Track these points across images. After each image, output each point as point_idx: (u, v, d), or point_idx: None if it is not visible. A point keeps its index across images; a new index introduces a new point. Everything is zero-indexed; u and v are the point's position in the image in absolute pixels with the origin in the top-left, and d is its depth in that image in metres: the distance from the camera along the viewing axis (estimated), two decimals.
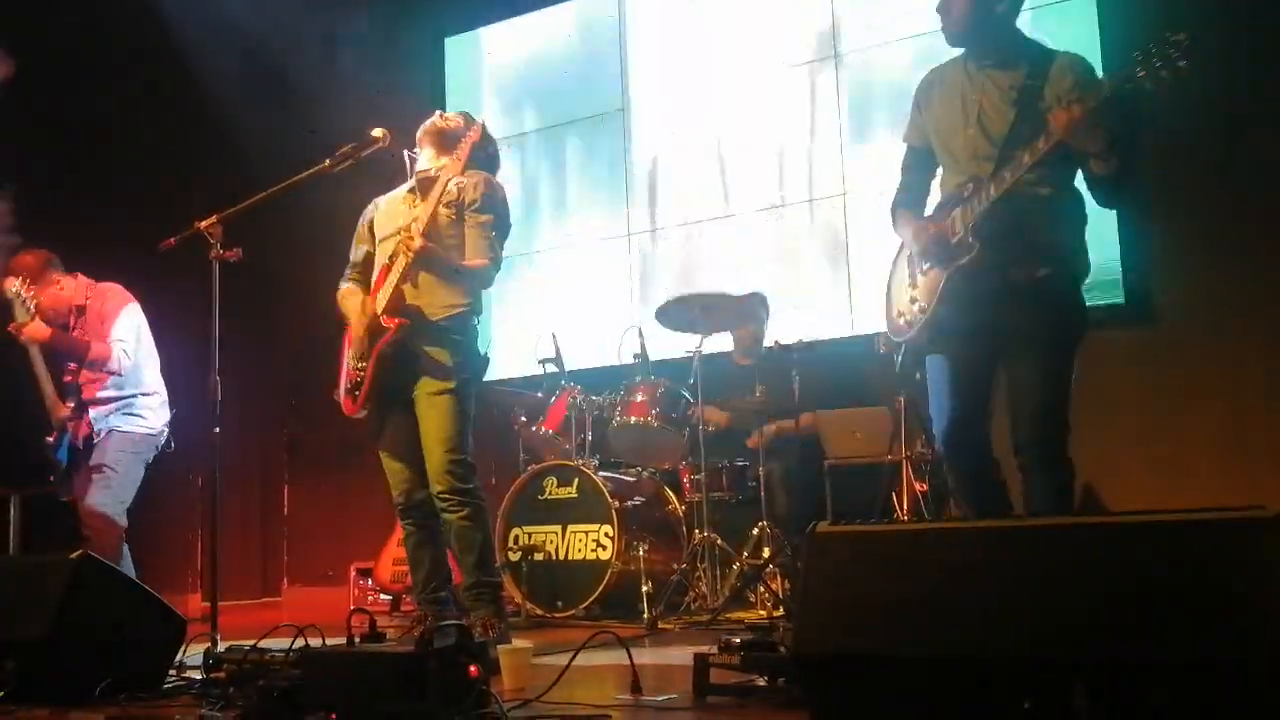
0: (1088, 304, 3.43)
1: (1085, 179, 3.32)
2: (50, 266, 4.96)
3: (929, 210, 3.56)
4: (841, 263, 6.40)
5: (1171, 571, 1.99)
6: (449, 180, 3.90)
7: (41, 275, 4.90)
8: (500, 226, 4.06)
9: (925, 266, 3.43)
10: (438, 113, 4.21)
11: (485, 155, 4.11)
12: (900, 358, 3.52)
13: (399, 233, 3.95)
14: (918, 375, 3.60)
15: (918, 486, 5.28)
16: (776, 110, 6.71)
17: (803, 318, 6.36)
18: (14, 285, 4.79)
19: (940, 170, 3.57)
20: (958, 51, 3.52)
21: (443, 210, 3.88)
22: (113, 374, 4.83)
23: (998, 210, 3.24)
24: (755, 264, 6.60)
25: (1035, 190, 3.27)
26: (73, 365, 4.85)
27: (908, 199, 3.60)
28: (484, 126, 4.08)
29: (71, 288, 4.99)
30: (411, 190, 4.08)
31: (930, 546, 2.28)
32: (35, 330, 4.74)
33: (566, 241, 7.36)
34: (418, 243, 3.79)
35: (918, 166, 3.62)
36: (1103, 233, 5.22)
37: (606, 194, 7.25)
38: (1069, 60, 3.35)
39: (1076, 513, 3.32)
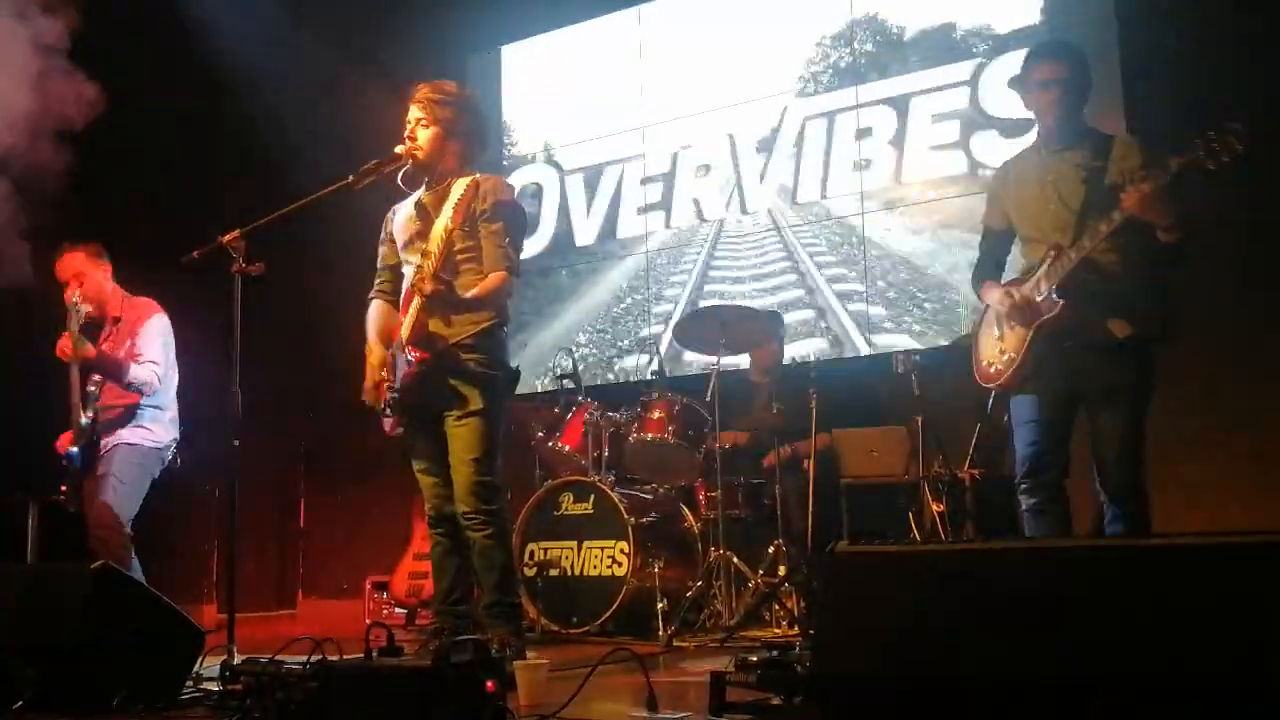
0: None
1: (1150, 247, 3.62)
2: (104, 256, 5.01)
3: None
4: (859, 281, 6.39)
5: (1196, 594, 1.98)
6: (456, 196, 3.85)
7: (95, 260, 4.95)
8: (514, 231, 4.04)
9: (1013, 325, 3.82)
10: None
11: (468, 130, 4.09)
12: (990, 403, 3.97)
13: (416, 253, 3.96)
14: (1005, 419, 4.01)
15: (935, 507, 5.26)
16: (791, 130, 6.72)
17: (819, 336, 6.37)
18: (74, 295, 4.82)
19: (1020, 245, 4.00)
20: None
21: (454, 231, 3.83)
22: (143, 394, 4.88)
23: (1079, 271, 3.64)
24: (771, 281, 6.60)
25: (1111, 256, 3.66)
26: (97, 377, 4.87)
27: (987, 273, 4.07)
28: (443, 86, 4.04)
29: (114, 292, 5.03)
30: (419, 204, 4.07)
31: (952, 568, 2.28)
32: (84, 352, 4.76)
33: (582, 257, 7.38)
34: (429, 287, 3.78)
35: (996, 246, 4.08)
36: None
37: (622, 208, 7.27)
38: (1128, 142, 3.84)
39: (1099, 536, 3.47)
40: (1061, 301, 3.65)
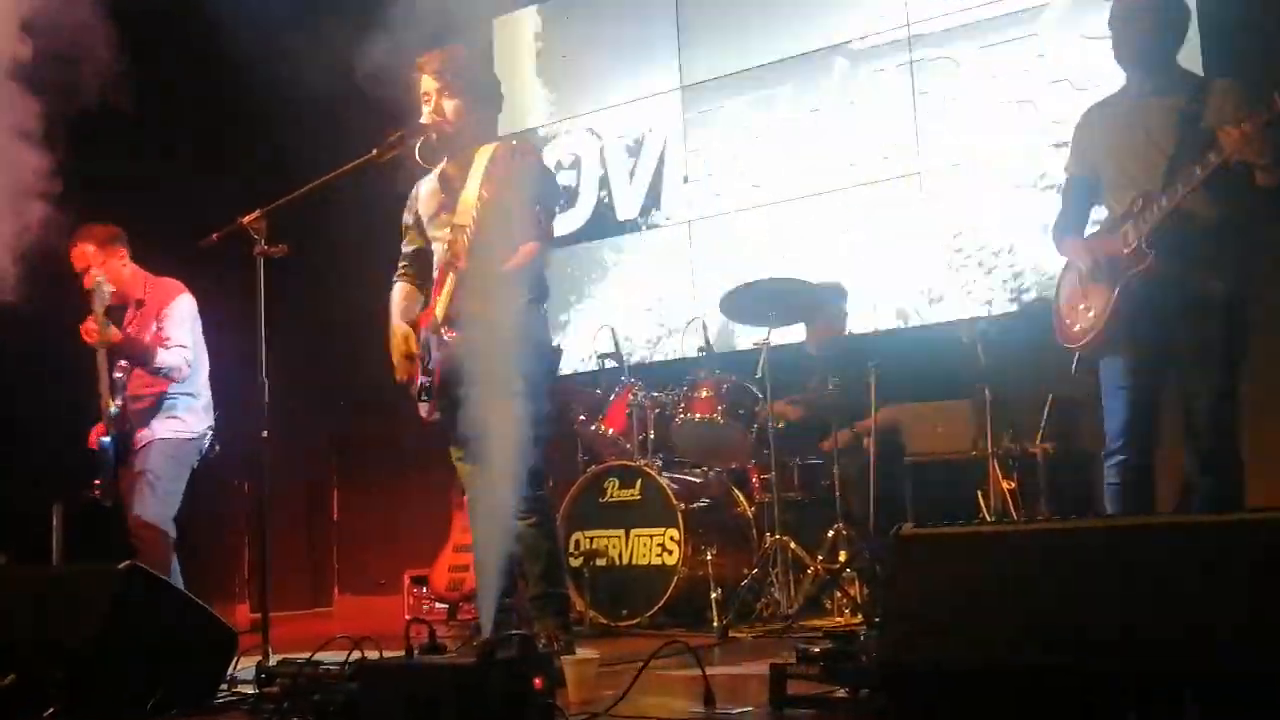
0: None
1: (1249, 189, 3.60)
2: (119, 241, 5.04)
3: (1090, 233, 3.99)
4: (919, 246, 6.32)
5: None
6: (482, 163, 3.86)
7: (108, 247, 4.98)
8: (545, 197, 4.04)
9: (1097, 280, 3.79)
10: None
11: (488, 95, 4.09)
12: (1075, 364, 3.91)
13: (444, 228, 3.97)
14: (1089, 379, 3.95)
15: (1005, 484, 5.23)
16: (849, 83, 6.65)
17: (879, 305, 6.32)
18: (98, 276, 4.86)
19: (1105, 195, 3.93)
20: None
21: (482, 204, 3.84)
22: (172, 380, 4.91)
23: (1170, 223, 3.60)
24: (826, 248, 6.55)
25: (1204, 207, 3.61)
26: (124, 363, 4.91)
27: (1070, 224, 4.02)
28: (457, 51, 4.04)
29: (134, 274, 5.07)
30: (442, 176, 4.08)
31: (1028, 549, 2.26)
32: (110, 334, 4.79)
33: (622, 229, 7.36)
34: (463, 263, 3.80)
35: (1079, 195, 4.03)
36: None
37: (664, 177, 7.24)
38: (1226, 85, 3.75)
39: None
40: (1151, 253, 3.61)
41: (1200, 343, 3.62)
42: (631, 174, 7.37)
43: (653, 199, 7.27)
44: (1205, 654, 1.95)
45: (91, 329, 4.79)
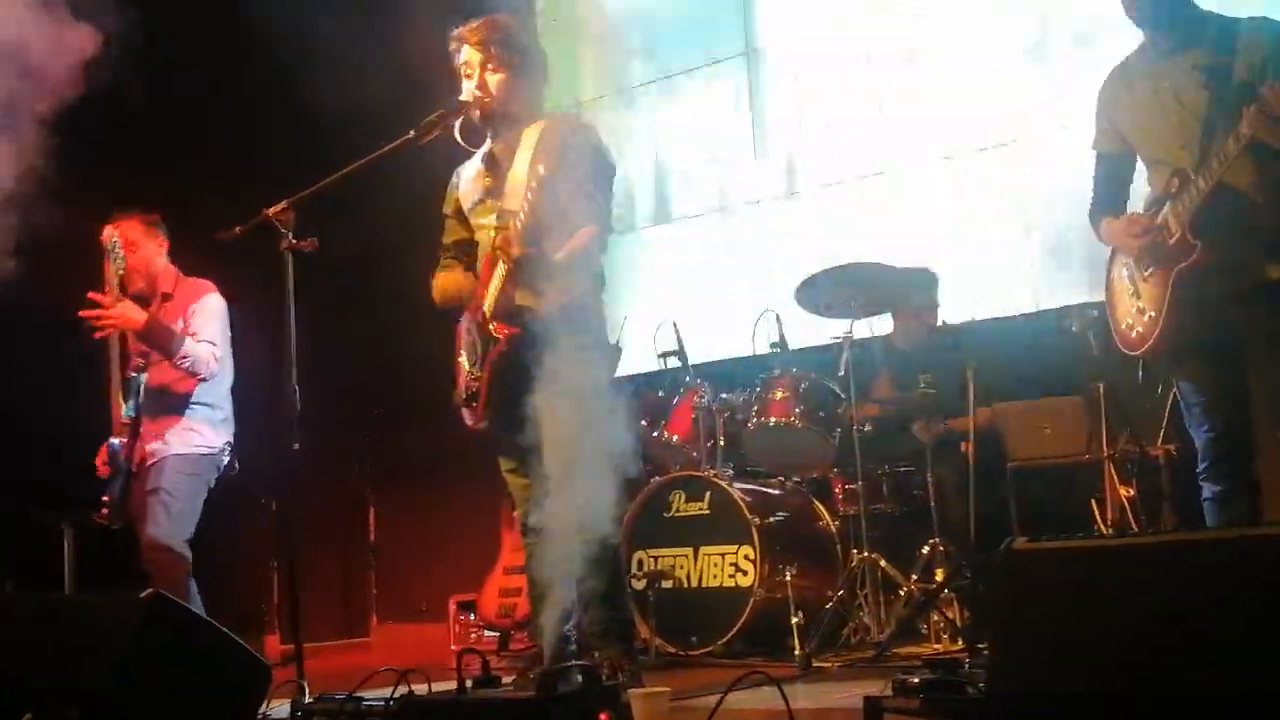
0: None
1: None
2: (159, 228, 5.11)
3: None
4: (1020, 225, 6.26)
5: None
6: (532, 141, 3.88)
7: (150, 230, 5.05)
8: (599, 176, 4.05)
9: (1147, 272, 3.69)
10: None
11: (534, 66, 4.10)
12: (1141, 372, 3.86)
13: (491, 214, 3.99)
14: (1159, 390, 4.03)
15: (1123, 492, 5.18)
16: (937, 45, 6.60)
17: (976, 292, 6.26)
18: (112, 235, 4.88)
19: (1144, 172, 3.84)
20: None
21: (533, 186, 3.85)
22: (198, 376, 4.95)
23: (1212, 204, 3.48)
24: (913, 231, 6.51)
25: (1250, 176, 3.49)
26: (138, 360, 4.93)
27: (1107, 207, 3.90)
28: (501, 20, 4.06)
29: (166, 267, 5.12)
30: (488, 156, 4.09)
31: (1156, 564, 2.24)
32: (130, 313, 4.77)
33: (685, 213, 7.36)
34: (516, 250, 3.81)
35: (1112, 174, 3.93)
36: None
37: (731, 154, 7.23)
38: (1257, 29, 3.58)
39: None
40: (1199, 244, 3.50)
41: (1270, 334, 3.54)
42: (693, 148, 7.36)
43: (716, 179, 7.25)
44: None
45: (106, 301, 4.71)
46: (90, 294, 4.73)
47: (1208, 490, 3.71)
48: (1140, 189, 3.89)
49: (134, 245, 4.98)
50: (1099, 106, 3.92)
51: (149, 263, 5.03)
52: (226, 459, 5.09)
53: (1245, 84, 3.43)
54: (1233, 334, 3.59)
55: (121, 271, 4.83)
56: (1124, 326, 3.82)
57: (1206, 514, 3.75)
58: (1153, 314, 3.66)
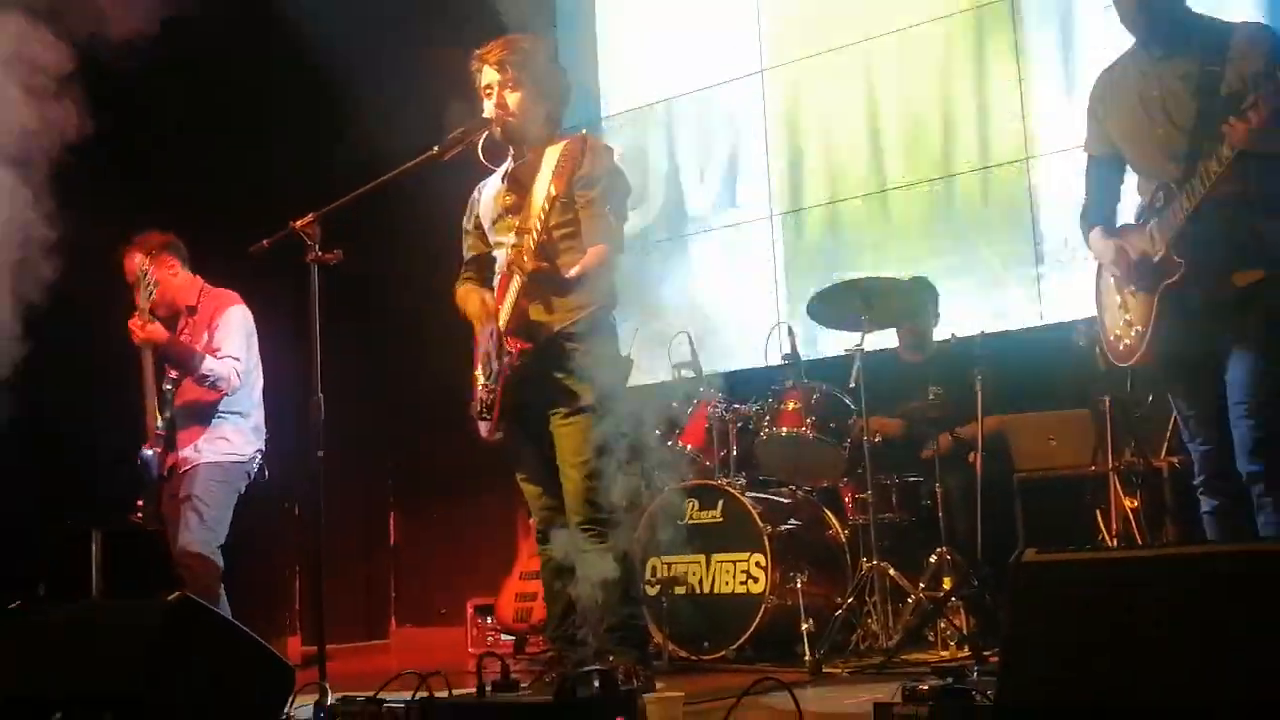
0: None
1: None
2: (170, 250, 5.13)
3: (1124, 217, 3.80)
4: (1026, 239, 6.25)
5: None
6: (553, 160, 3.89)
7: (156, 256, 5.06)
8: (616, 199, 4.09)
9: (1133, 288, 3.63)
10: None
11: (555, 87, 4.12)
12: (1130, 383, 3.88)
13: (509, 231, 4.00)
14: (1149, 400, 3.95)
15: (1128, 503, 5.14)
16: (941, 62, 6.60)
17: (983, 306, 6.25)
18: (143, 264, 4.94)
19: (1131, 176, 3.78)
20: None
21: (556, 200, 3.87)
22: (220, 391, 4.98)
23: (1195, 219, 3.41)
24: (921, 245, 6.51)
25: (1231, 189, 3.38)
26: (173, 375, 5.00)
27: (1098, 214, 3.83)
28: (519, 40, 4.08)
29: (186, 282, 5.15)
30: (509, 175, 4.11)
31: (1166, 575, 2.22)
32: (155, 331, 4.87)
33: (698, 227, 7.35)
34: (530, 265, 3.83)
35: (1103, 177, 3.84)
36: None
37: (742, 170, 7.23)
38: (1251, 36, 3.48)
39: None
40: (1181, 263, 3.45)
41: (1234, 334, 3.46)
42: (704, 165, 7.36)
43: (729, 192, 7.25)
44: None
45: (135, 326, 4.87)
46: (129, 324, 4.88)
47: (1205, 504, 3.67)
48: (1131, 187, 3.82)
49: (161, 274, 5.02)
50: (1090, 108, 3.86)
51: (167, 284, 5.07)
52: (256, 467, 5.11)
53: (1235, 94, 3.36)
54: (1214, 347, 3.53)
55: (152, 298, 4.92)
56: (1112, 338, 3.77)
57: (1206, 527, 3.71)
58: (1139, 329, 3.62)
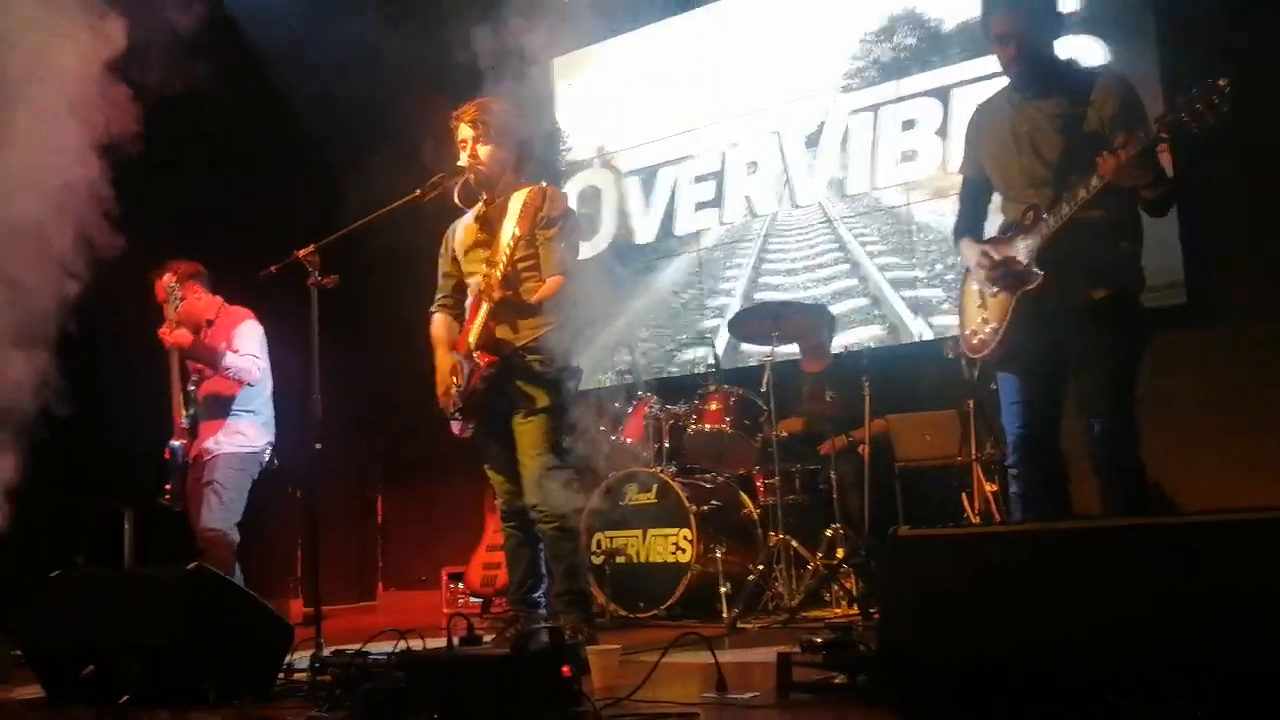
0: (1150, 306, 3.55)
1: (1138, 202, 3.41)
2: (196, 278, 5.09)
3: (989, 232, 3.71)
4: (913, 266, 6.32)
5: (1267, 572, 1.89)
6: (519, 205, 3.93)
7: (185, 282, 5.02)
8: (570, 237, 4.10)
9: (993, 290, 3.55)
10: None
11: (520, 141, 4.12)
12: (976, 372, 3.77)
13: (480, 263, 4.02)
14: (992, 386, 3.77)
15: (988, 487, 5.22)
16: (838, 124, 6.67)
17: (874, 324, 6.32)
18: (171, 280, 4.94)
19: (997, 198, 3.70)
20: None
21: (521, 239, 3.88)
22: (243, 384, 4.94)
23: (1059, 238, 3.36)
24: (824, 271, 6.56)
25: (1091, 214, 3.33)
26: (195, 376, 4.98)
27: (967, 226, 3.75)
28: (490, 103, 4.06)
29: (206, 303, 5.12)
30: (479, 217, 4.12)
31: (1014, 549, 2.24)
32: (180, 335, 4.87)
33: (641, 256, 7.37)
34: (498, 294, 3.86)
35: (974, 197, 3.77)
36: (1164, 236, 5.14)
37: (678, 207, 7.25)
38: (1109, 84, 3.45)
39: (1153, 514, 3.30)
40: (1041, 274, 3.38)
41: (1088, 344, 3.37)
42: (647, 203, 7.38)
43: (667, 226, 7.29)
44: (1188, 646, 1.92)
45: (165, 332, 4.88)
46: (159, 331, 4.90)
47: (1016, 486, 3.55)
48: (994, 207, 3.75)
49: (186, 294, 5.00)
50: (967, 138, 3.77)
51: (191, 305, 5.04)
52: (268, 456, 5.09)
53: (1095, 133, 3.33)
54: (1058, 346, 3.44)
55: (178, 310, 4.93)
56: (968, 332, 3.67)
57: (1014, 505, 3.60)
58: (994, 325, 3.53)
